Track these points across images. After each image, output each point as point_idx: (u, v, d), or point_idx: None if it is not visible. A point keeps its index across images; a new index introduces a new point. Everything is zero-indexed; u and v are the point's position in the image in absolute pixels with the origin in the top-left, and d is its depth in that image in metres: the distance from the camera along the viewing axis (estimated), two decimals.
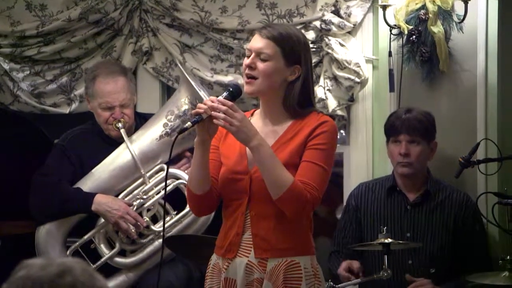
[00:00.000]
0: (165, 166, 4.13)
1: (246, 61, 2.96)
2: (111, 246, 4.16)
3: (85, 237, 4.15)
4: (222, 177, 3.00)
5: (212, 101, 2.86)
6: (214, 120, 2.85)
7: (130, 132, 4.22)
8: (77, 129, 4.34)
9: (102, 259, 4.12)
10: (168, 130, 4.14)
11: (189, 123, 2.89)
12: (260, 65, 2.94)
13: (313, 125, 2.95)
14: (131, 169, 4.15)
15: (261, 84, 2.94)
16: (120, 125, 4.14)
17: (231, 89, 2.96)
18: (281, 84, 2.96)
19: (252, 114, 3.08)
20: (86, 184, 4.16)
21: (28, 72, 4.78)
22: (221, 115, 2.83)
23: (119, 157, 4.17)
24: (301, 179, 2.88)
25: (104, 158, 4.18)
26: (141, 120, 4.30)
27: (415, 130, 4.08)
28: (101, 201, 4.07)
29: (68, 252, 4.17)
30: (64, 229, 4.19)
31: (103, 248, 4.15)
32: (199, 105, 2.89)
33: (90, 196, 4.09)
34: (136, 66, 4.75)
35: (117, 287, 4.16)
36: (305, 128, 2.95)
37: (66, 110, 4.78)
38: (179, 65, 4.39)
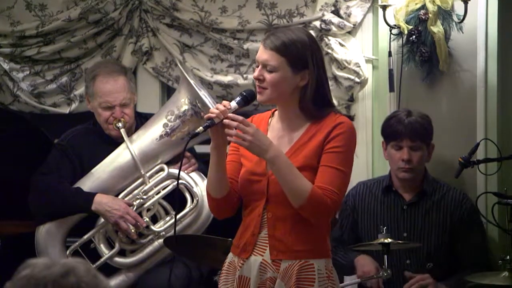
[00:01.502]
0: (165, 166, 4.14)
1: (255, 73, 2.96)
2: (111, 246, 4.16)
3: (85, 237, 4.14)
4: (241, 178, 3.01)
5: (225, 106, 2.87)
6: (227, 137, 2.86)
7: (130, 132, 4.21)
8: (77, 129, 4.33)
9: (102, 259, 4.11)
10: (168, 130, 4.14)
11: (201, 127, 2.88)
12: (268, 77, 2.92)
13: (329, 127, 2.94)
14: (131, 169, 4.15)
15: (271, 94, 2.93)
16: (120, 124, 4.14)
17: (244, 94, 2.96)
18: (293, 91, 2.95)
19: (272, 114, 3.08)
20: (86, 184, 4.16)
21: (28, 72, 4.78)
22: (233, 131, 2.83)
23: (119, 157, 4.17)
24: (320, 185, 2.88)
25: (104, 158, 4.18)
26: (141, 120, 4.29)
27: (417, 136, 4.07)
28: (101, 201, 4.06)
29: (68, 252, 4.16)
30: (64, 229, 4.19)
31: (103, 248, 4.14)
32: (211, 109, 2.89)
33: (90, 195, 4.08)
34: (136, 66, 4.75)
35: (117, 287, 4.16)
36: (321, 131, 2.94)
37: (66, 110, 4.78)
38: (179, 65, 4.38)
